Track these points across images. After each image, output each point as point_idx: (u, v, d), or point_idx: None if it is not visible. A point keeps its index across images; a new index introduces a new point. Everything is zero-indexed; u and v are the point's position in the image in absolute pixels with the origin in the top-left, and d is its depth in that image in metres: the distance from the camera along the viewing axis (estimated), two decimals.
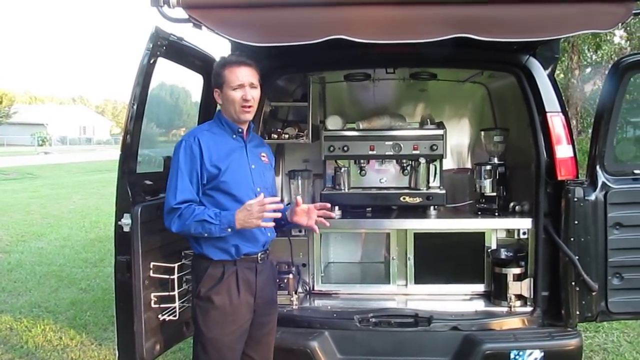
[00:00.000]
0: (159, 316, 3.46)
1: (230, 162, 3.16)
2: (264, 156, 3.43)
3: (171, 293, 3.46)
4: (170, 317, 3.49)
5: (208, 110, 4.09)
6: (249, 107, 3.19)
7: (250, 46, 3.32)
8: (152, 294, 3.39)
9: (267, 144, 3.71)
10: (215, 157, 3.12)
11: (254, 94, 3.20)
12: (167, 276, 3.44)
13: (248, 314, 3.21)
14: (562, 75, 19.99)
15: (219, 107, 3.32)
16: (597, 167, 3.88)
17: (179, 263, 3.51)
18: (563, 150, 3.90)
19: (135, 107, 3.29)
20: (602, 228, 3.84)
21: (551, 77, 4.05)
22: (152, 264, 3.37)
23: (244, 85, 3.16)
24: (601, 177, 3.88)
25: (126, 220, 3.28)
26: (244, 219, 3.02)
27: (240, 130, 3.26)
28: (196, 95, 4.26)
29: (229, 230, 3.05)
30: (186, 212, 3.04)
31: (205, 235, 3.07)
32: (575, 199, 3.80)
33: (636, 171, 3.95)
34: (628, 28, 16.82)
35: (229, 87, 3.16)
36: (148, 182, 3.60)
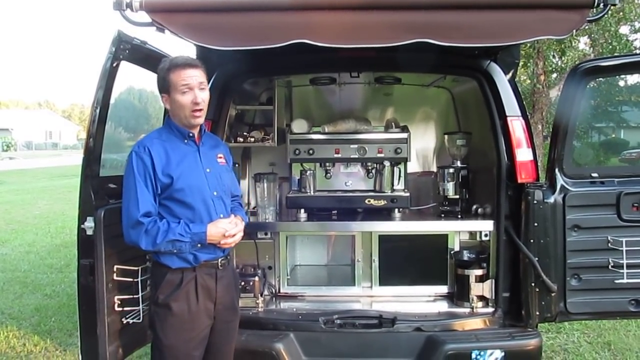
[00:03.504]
0: (123, 319, 3.44)
1: (183, 169, 3.08)
2: (220, 157, 3.33)
3: (135, 296, 3.44)
4: (135, 320, 3.48)
5: None
6: (199, 110, 3.09)
7: (214, 50, 3.33)
8: (116, 297, 3.37)
9: (224, 143, 3.66)
10: (166, 165, 3.04)
11: (204, 97, 3.10)
12: (130, 279, 3.42)
13: (207, 320, 3.15)
14: (528, 81, 20.24)
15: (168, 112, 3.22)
16: (556, 171, 3.96)
17: (143, 266, 3.49)
18: (523, 154, 3.97)
19: (98, 110, 3.27)
20: (560, 230, 3.91)
21: (512, 81, 4.11)
22: (115, 267, 3.35)
23: (193, 88, 3.06)
24: (560, 180, 3.95)
25: (89, 223, 3.26)
26: (216, 238, 3.09)
27: (191, 134, 3.16)
28: None
29: (199, 246, 3.05)
30: (153, 230, 2.96)
31: (175, 252, 3.03)
32: (535, 202, 3.87)
33: (594, 174, 4.03)
34: (592, 35, 17.12)
35: (177, 92, 3.05)
36: (112, 185, 3.57)
